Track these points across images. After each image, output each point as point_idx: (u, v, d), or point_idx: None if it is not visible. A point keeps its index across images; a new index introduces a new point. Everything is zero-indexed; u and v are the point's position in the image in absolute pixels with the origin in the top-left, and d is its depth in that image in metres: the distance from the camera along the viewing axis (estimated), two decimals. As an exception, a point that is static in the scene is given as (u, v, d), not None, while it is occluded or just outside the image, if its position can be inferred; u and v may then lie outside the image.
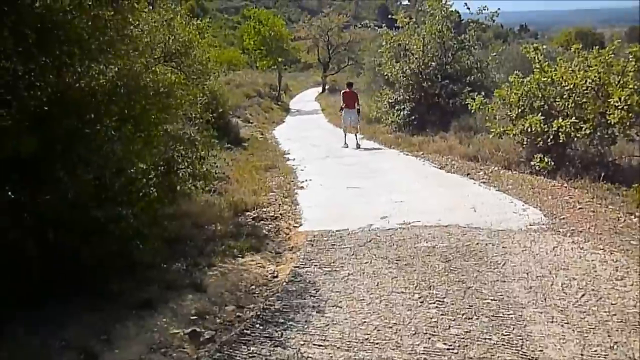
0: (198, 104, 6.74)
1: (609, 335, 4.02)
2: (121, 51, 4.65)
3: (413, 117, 14.73)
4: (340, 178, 9.97)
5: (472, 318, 4.30)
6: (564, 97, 9.04)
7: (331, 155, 12.93)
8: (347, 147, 13.85)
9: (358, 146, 13.74)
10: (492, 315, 4.33)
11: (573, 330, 4.08)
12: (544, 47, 10.13)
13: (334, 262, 5.59)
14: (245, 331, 4.26)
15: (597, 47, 9.12)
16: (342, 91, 15.24)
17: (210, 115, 7.48)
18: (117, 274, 4.65)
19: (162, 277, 5.02)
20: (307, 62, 47.08)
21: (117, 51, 4.58)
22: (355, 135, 14.08)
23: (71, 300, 4.29)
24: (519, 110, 9.62)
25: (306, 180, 9.77)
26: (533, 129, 9.12)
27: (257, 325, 4.34)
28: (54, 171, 4.09)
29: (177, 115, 5.79)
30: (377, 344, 4.01)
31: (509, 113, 9.87)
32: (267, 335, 4.19)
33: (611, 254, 5.53)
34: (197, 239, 6.18)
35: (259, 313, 4.56)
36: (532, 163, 9.26)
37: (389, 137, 14.74)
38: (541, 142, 9.16)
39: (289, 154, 13.35)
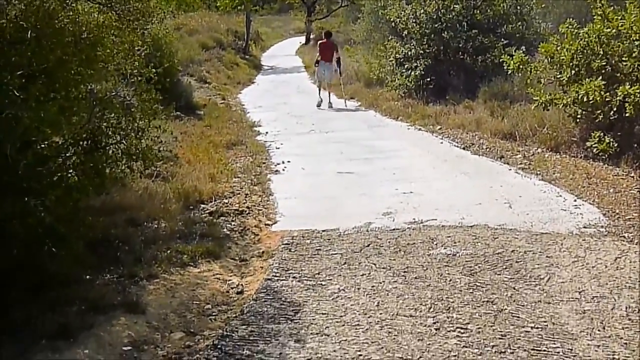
0: (135, 57, 6.64)
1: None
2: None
3: (428, 79, 14.72)
4: (328, 160, 9.97)
5: (505, 352, 4.29)
6: (634, 55, 9.04)
7: (317, 128, 12.93)
8: (321, 103, 16.03)
9: (330, 105, 15.92)
10: (532, 349, 4.32)
11: (640, 370, 4.11)
12: (608, -14, 10.11)
13: (319, 274, 5.57)
14: (197, 367, 4.24)
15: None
16: (319, 41, 17.71)
17: (153, 72, 7.38)
18: (22, 290, 4.57)
19: (84, 293, 4.95)
20: (287, 1, 46.85)
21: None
22: (329, 92, 16.24)
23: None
24: (572, 72, 9.61)
25: (283, 163, 9.76)
26: (591, 98, 9.12)
27: (214, 360, 4.31)
28: None
29: (106, 71, 5.70)
30: (376, 385, 4.00)
31: (559, 76, 9.86)
32: (228, 372, 4.17)
33: (692, 267, 5.57)
34: (133, 240, 6.12)
35: (216, 342, 4.52)
36: (588, 144, 9.29)
37: (395, 105, 14.73)
38: (601, 116, 9.17)
39: (259, 126, 13.33)
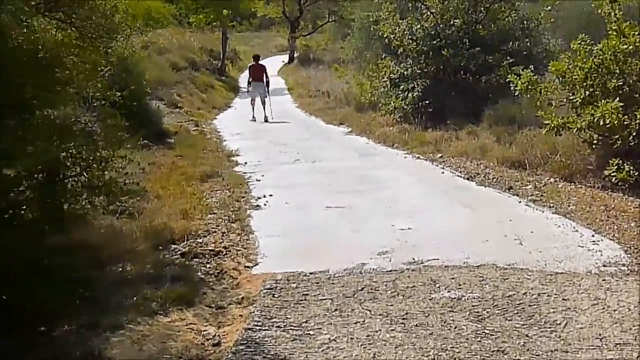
0: (98, 78, 6.66)
1: None
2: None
3: (427, 102, 14.83)
4: (315, 193, 9.96)
5: (518, 408, 4.27)
6: (654, 74, 9.15)
7: (302, 158, 12.95)
8: (255, 120, 19.92)
9: (266, 119, 19.81)
10: (549, 404, 4.31)
11: None
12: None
13: (306, 322, 5.52)
14: None
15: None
16: (250, 65, 21.74)
17: (118, 95, 7.41)
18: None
19: (39, 346, 4.89)
20: (267, 16, 47.22)
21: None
22: (264, 108, 20.15)
23: None
24: (586, 93, 9.69)
25: (264, 196, 9.73)
26: (607, 122, 9.18)
27: (188, 421, 4.27)
28: None
29: (65, 95, 5.70)
30: None
31: (572, 97, 9.94)
32: None
33: None
34: (96, 285, 6.06)
35: (190, 402, 4.48)
36: (605, 173, 9.32)
37: (390, 131, 14.81)
38: (619, 142, 9.23)
39: (237, 155, 13.38)
